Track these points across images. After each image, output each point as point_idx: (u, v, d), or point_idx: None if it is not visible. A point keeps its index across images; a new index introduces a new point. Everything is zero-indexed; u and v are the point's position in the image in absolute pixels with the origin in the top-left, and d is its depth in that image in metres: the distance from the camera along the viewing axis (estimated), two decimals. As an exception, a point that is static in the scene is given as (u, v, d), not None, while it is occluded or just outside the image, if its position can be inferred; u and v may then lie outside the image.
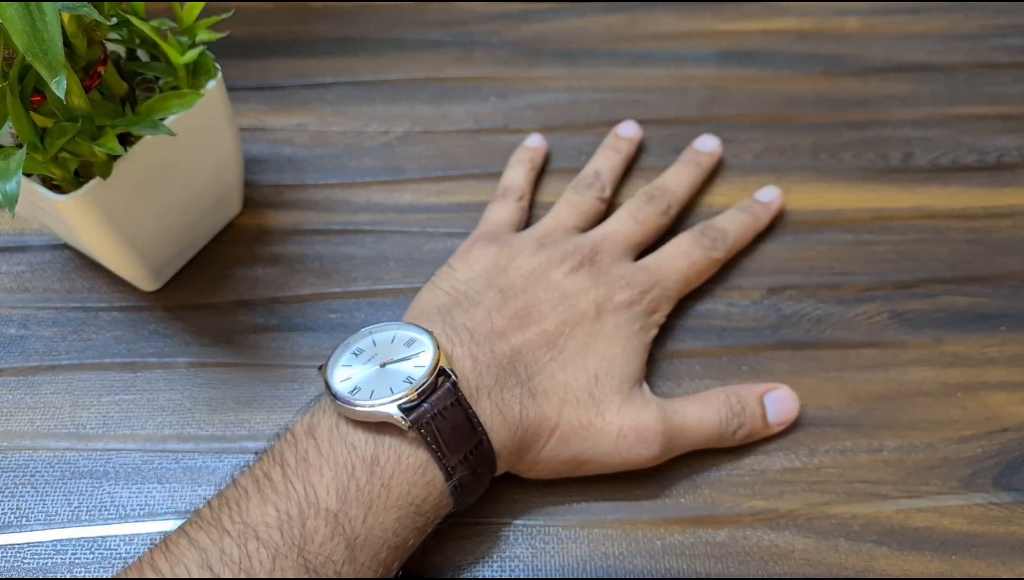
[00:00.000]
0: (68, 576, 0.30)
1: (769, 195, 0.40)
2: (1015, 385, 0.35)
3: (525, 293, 0.33)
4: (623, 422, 0.31)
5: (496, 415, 0.29)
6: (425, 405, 0.27)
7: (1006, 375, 0.35)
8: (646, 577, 0.30)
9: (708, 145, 0.42)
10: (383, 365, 0.29)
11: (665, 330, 0.36)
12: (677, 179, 0.40)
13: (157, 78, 0.34)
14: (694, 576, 0.30)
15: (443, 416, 0.27)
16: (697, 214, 0.41)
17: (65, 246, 0.39)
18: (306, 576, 0.25)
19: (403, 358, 0.29)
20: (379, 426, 0.27)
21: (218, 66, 0.33)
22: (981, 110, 0.45)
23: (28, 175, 0.31)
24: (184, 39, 0.32)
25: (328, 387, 0.28)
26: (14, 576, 0.30)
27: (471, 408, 0.28)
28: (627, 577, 0.30)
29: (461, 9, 0.50)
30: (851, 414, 0.34)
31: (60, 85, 0.24)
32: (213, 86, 0.33)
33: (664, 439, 0.31)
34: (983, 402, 0.35)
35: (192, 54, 0.31)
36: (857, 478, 0.33)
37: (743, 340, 0.36)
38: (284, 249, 0.39)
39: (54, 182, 0.31)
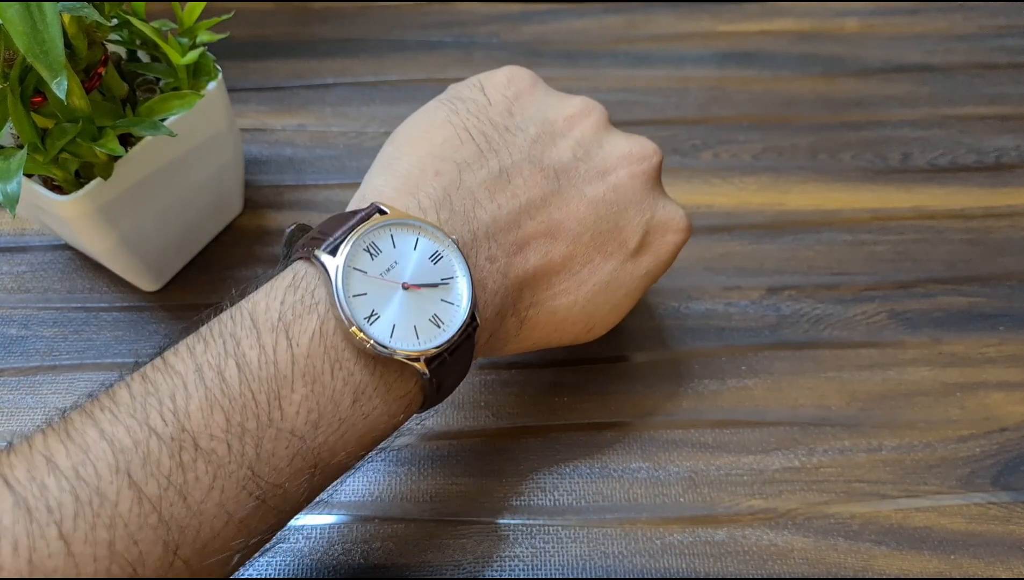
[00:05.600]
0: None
1: None
2: (1013, 385, 0.35)
3: (573, 187, 0.28)
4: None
5: (484, 348, 0.27)
6: (447, 357, 0.24)
7: (1004, 375, 0.35)
8: (646, 577, 0.30)
9: None
10: (405, 287, 0.24)
11: (664, 330, 0.37)
12: None
13: (158, 79, 0.34)
14: (693, 575, 0.30)
15: (456, 366, 0.24)
16: (697, 214, 0.41)
17: (66, 246, 0.39)
18: (255, 501, 0.21)
19: (430, 285, 0.24)
20: (380, 358, 0.23)
21: (219, 67, 0.33)
22: (980, 111, 0.45)
23: (29, 176, 0.31)
24: (185, 40, 0.32)
25: (339, 298, 0.22)
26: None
27: (476, 354, 0.25)
28: (627, 577, 0.30)
29: (461, 10, 0.50)
30: (850, 414, 0.34)
31: (61, 86, 0.24)
32: (214, 87, 0.33)
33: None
34: (981, 402, 0.35)
35: (193, 55, 0.32)
36: (856, 477, 0.33)
37: (742, 340, 0.37)
38: (284, 249, 0.40)
39: (55, 183, 0.31)
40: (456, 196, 0.26)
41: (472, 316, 0.24)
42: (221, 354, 0.22)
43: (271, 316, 0.22)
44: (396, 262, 0.24)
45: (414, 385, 0.24)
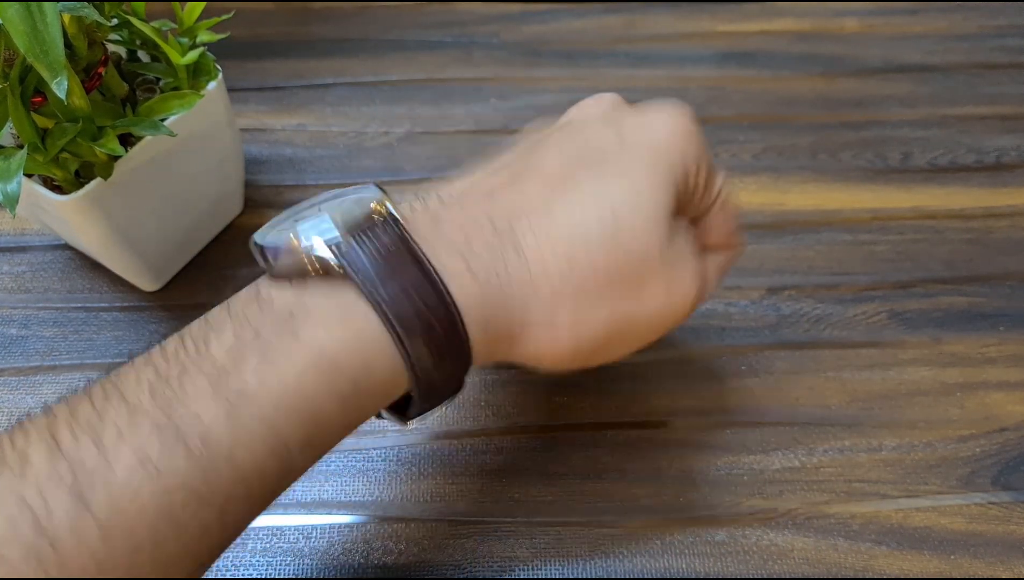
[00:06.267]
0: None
1: None
2: (1013, 385, 0.35)
3: (537, 145, 0.26)
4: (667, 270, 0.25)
5: (462, 273, 0.23)
6: (357, 243, 0.22)
7: (1005, 375, 0.35)
8: (646, 576, 0.30)
9: None
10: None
11: (664, 330, 0.37)
12: None
13: (158, 79, 0.34)
14: (693, 575, 0.30)
15: (379, 251, 0.22)
16: (696, 214, 0.41)
17: (66, 246, 0.39)
18: (159, 435, 0.20)
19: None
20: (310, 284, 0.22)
21: (219, 67, 0.33)
22: (980, 110, 0.45)
23: (29, 175, 0.31)
24: (185, 40, 0.32)
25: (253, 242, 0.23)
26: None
27: (419, 249, 0.22)
28: (627, 577, 0.30)
29: (461, 10, 0.50)
30: (850, 413, 0.34)
31: (61, 86, 0.24)
32: (214, 87, 0.33)
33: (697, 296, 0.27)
34: (982, 401, 0.35)
35: (193, 55, 0.32)
36: (856, 477, 0.33)
37: (742, 340, 0.37)
38: (284, 249, 0.40)
39: (55, 182, 0.31)
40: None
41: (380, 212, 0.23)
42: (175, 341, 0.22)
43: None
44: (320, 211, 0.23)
45: (353, 292, 0.22)
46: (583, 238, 0.24)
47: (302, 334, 0.21)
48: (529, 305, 0.24)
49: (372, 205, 0.23)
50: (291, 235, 0.22)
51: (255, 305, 0.22)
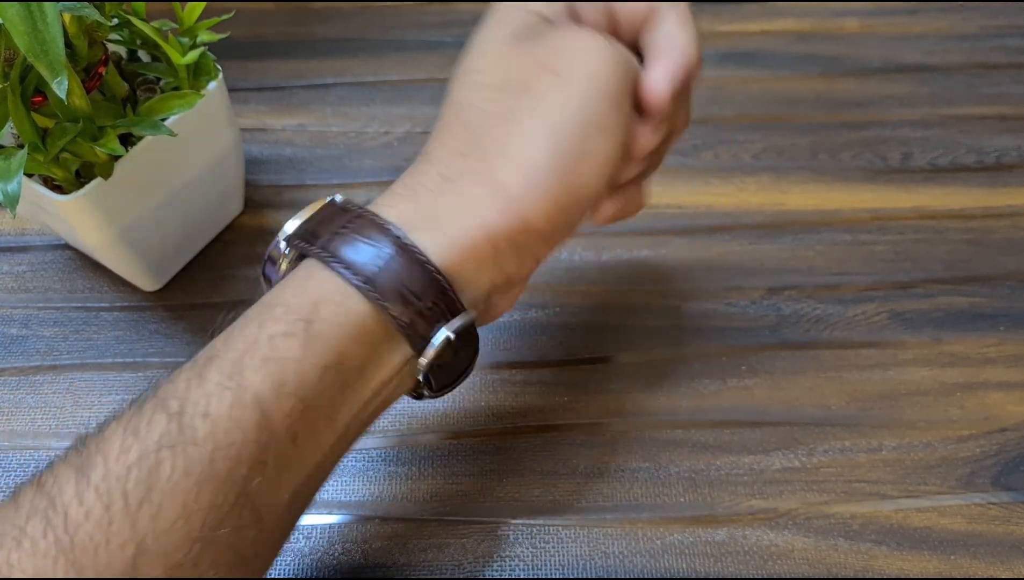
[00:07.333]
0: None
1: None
2: (1013, 385, 0.35)
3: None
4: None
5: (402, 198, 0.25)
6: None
7: (1004, 375, 0.35)
8: (646, 576, 0.30)
9: None
10: None
11: (664, 330, 0.37)
12: None
13: (158, 79, 0.34)
14: (693, 575, 0.30)
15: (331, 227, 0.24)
16: (696, 215, 0.41)
17: (66, 246, 0.39)
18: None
19: None
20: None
21: (219, 67, 0.33)
22: (979, 111, 0.45)
23: (29, 175, 0.31)
24: (185, 40, 0.32)
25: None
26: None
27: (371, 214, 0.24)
28: (627, 576, 0.30)
29: (461, 10, 0.50)
30: (850, 414, 0.34)
31: (61, 86, 0.24)
32: (214, 87, 0.33)
33: None
34: (981, 402, 0.35)
35: (193, 55, 0.32)
36: (856, 478, 0.33)
37: (742, 340, 0.37)
38: (284, 249, 0.40)
39: (55, 182, 0.31)
40: None
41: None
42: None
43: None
44: None
45: (326, 270, 0.23)
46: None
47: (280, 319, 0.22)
48: (483, 145, 0.25)
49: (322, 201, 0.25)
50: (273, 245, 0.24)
51: (256, 316, 0.23)
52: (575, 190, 0.25)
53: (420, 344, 0.23)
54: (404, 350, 0.23)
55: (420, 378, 0.25)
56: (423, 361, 0.23)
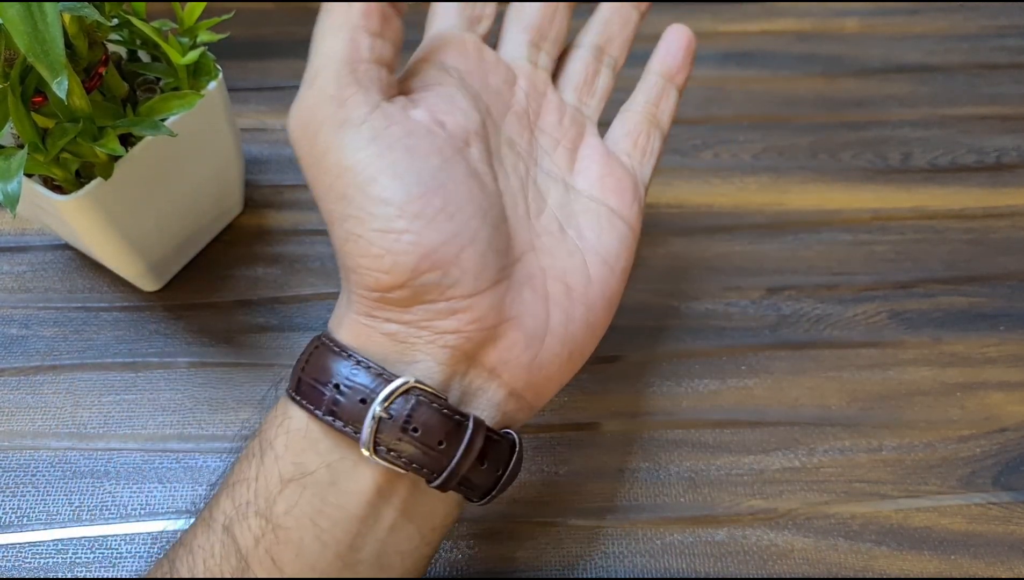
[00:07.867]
0: (69, 576, 0.30)
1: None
2: (1014, 385, 0.35)
3: None
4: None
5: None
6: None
7: (1005, 375, 0.35)
8: (646, 576, 0.30)
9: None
10: None
11: (664, 330, 0.37)
12: None
13: (158, 79, 0.34)
14: (693, 575, 0.30)
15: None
16: (697, 214, 0.41)
17: (66, 246, 0.39)
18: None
19: None
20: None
21: (219, 67, 0.33)
22: (980, 111, 0.45)
23: (29, 175, 0.31)
24: (185, 40, 0.32)
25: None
26: (15, 576, 0.30)
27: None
28: (627, 576, 0.30)
29: (461, 10, 0.50)
30: (850, 414, 0.34)
31: (61, 86, 0.24)
32: (214, 87, 0.33)
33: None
34: (982, 402, 0.35)
35: (193, 55, 0.32)
36: (856, 478, 0.33)
37: (742, 340, 0.37)
38: (284, 249, 0.40)
39: (55, 182, 0.31)
40: None
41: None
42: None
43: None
44: None
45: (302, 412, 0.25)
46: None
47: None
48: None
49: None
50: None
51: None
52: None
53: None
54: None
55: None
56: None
